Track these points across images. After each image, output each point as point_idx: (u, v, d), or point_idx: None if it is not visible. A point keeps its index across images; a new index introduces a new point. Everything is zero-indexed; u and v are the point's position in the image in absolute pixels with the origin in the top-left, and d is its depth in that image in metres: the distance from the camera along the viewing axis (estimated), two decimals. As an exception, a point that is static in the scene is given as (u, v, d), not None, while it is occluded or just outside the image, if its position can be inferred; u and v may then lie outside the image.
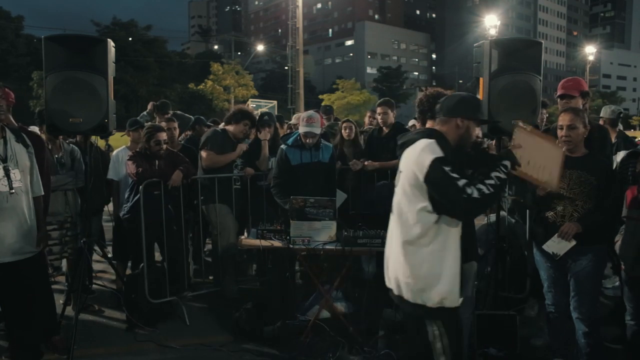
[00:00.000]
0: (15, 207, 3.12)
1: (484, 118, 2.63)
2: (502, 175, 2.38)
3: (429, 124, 3.35)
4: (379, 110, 5.17)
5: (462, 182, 2.28)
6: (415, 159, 2.38)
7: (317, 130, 4.37)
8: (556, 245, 3.14)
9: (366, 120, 7.05)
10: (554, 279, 3.29)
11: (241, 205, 4.97)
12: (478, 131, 2.84)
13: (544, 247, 3.20)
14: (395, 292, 2.55)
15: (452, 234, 2.43)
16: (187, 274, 4.93)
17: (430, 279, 2.39)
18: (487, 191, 2.29)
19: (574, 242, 3.09)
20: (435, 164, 2.30)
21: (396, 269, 2.51)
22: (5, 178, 3.07)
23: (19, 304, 3.27)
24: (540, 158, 2.78)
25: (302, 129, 4.36)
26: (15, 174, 3.12)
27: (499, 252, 3.94)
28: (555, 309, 3.33)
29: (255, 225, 4.37)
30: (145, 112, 6.53)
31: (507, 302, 3.97)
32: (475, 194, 2.27)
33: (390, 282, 2.61)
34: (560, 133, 3.20)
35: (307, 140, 4.36)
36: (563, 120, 3.18)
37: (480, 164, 2.61)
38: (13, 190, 3.09)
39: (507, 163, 2.45)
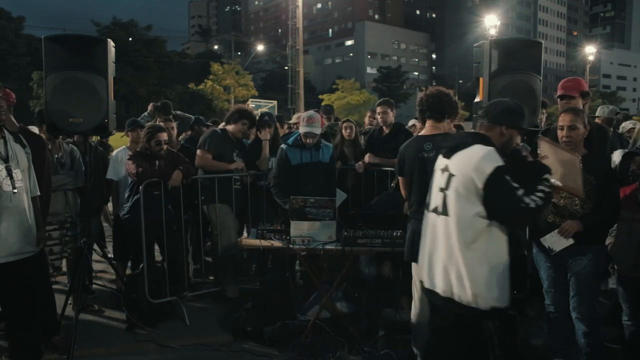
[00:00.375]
0: (18, 207, 3.13)
1: (528, 128, 2.70)
2: (547, 189, 2.43)
3: (428, 124, 3.35)
4: (378, 109, 5.17)
5: (520, 192, 2.33)
6: (475, 165, 2.39)
7: (318, 131, 4.38)
8: (554, 241, 3.14)
9: (366, 120, 7.05)
10: (554, 278, 3.29)
11: (241, 205, 4.96)
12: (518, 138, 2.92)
13: (541, 240, 3.21)
14: (443, 294, 2.52)
15: (503, 239, 2.46)
16: (187, 274, 4.93)
17: (484, 283, 2.41)
18: (540, 202, 2.35)
19: (571, 241, 3.08)
20: (497, 172, 2.34)
21: (448, 272, 2.49)
22: (8, 178, 3.08)
23: (19, 304, 3.27)
24: (562, 167, 2.91)
25: (302, 129, 4.36)
26: (17, 174, 3.14)
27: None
28: (555, 308, 3.33)
29: (255, 225, 4.37)
30: (146, 113, 6.52)
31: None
32: (532, 204, 2.32)
33: (434, 284, 2.58)
34: (560, 133, 3.20)
35: (308, 141, 4.37)
36: (563, 120, 3.18)
37: (517, 170, 2.64)
38: (16, 190, 3.10)
39: (548, 176, 2.49)
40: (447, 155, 2.58)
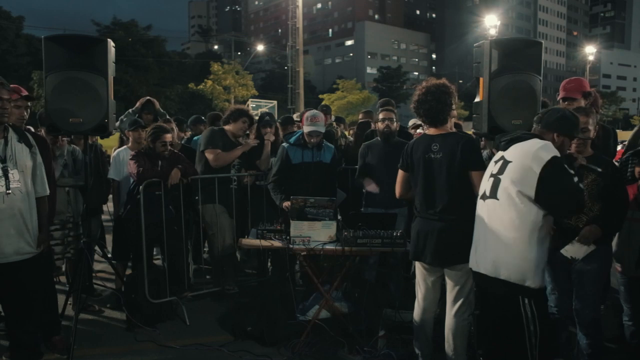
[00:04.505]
0: (13, 208, 3.11)
1: (579, 135, 2.86)
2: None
3: (432, 130, 3.29)
4: (385, 114, 5.13)
5: (576, 179, 2.51)
6: (533, 152, 2.54)
7: (322, 129, 4.39)
8: (575, 250, 3.08)
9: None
10: (558, 280, 3.27)
11: (238, 205, 4.94)
12: (573, 147, 3.07)
13: (562, 251, 3.13)
14: (490, 274, 2.65)
15: (549, 226, 2.64)
16: (187, 274, 4.93)
17: (535, 263, 2.55)
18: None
19: (593, 247, 3.05)
20: (555, 159, 2.50)
21: (497, 252, 2.62)
22: (3, 178, 3.06)
23: (17, 305, 3.27)
24: None
25: (306, 128, 4.35)
26: (13, 175, 3.12)
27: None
28: (558, 310, 3.32)
29: (255, 225, 4.37)
30: (130, 110, 6.15)
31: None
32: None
33: (480, 266, 2.72)
34: None
35: (312, 140, 4.36)
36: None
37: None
38: (10, 191, 3.09)
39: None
40: (505, 147, 2.72)
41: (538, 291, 2.60)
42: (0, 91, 3.07)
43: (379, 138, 4.62)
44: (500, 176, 2.64)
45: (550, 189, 2.48)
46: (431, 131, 3.28)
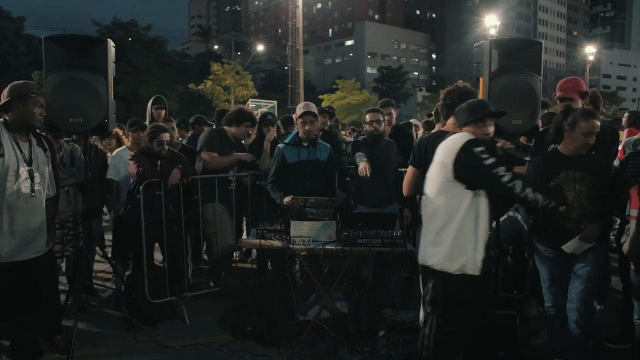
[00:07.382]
0: (35, 208, 3.20)
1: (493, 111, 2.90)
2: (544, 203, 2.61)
3: (451, 121, 3.28)
4: (384, 111, 5.14)
5: (489, 161, 2.54)
6: (448, 147, 2.64)
7: (315, 111, 4.42)
8: (576, 246, 3.12)
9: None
10: (555, 279, 3.28)
11: (237, 205, 4.94)
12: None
13: (563, 247, 3.15)
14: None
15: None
16: (186, 274, 4.92)
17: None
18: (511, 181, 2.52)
19: (593, 243, 3.09)
20: (466, 146, 2.57)
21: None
22: (29, 180, 3.14)
23: (25, 302, 3.29)
24: None
25: (299, 111, 4.41)
26: (36, 177, 3.20)
27: (499, 252, 3.93)
28: (556, 310, 3.32)
29: (255, 225, 4.37)
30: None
31: (507, 302, 3.97)
32: (506, 177, 2.52)
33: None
34: (584, 139, 3.12)
35: (306, 127, 4.36)
36: (591, 127, 3.10)
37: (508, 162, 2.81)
38: (34, 194, 3.17)
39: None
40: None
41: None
42: (41, 98, 3.20)
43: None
44: (428, 175, 2.79)
45: (469, 178, 2.58)
46: (448, 127, 3.25)
